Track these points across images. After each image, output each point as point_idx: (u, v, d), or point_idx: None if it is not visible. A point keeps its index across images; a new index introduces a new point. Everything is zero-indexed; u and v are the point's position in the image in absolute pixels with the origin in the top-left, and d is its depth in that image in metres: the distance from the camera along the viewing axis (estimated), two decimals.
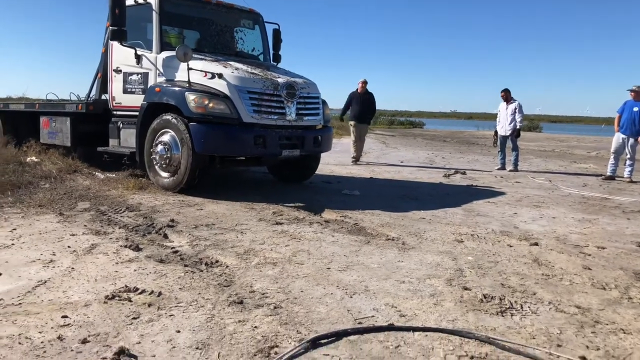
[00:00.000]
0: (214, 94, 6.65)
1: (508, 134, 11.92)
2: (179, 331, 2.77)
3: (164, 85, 7.12)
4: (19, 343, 2.56)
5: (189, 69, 6.70)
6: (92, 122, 8.51)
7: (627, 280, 4.00)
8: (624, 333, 3.00)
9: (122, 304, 3.12)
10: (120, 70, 7.87)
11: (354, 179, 9.63)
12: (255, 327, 2.86)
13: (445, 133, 34.72)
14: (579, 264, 4.38)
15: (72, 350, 2.52)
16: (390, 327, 2.91)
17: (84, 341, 2.60)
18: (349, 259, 4.28)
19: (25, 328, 2.73)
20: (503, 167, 12.08)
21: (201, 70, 6.85)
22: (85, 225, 5.05)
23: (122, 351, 2.48)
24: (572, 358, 2.62)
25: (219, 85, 6.70)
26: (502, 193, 8.39)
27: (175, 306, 3.12)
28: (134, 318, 2.91)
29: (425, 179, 9.93)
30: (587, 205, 7.47)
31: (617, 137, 10.66)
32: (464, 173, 11.05)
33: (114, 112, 8.16)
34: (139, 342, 2.62)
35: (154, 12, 7.44)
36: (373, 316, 3.09)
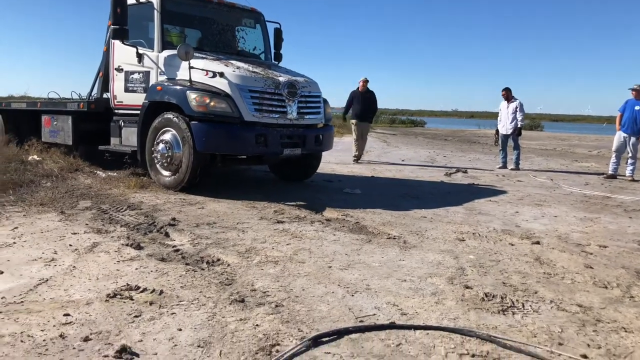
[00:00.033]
0: (215, 93, 6.65)
1: (509, 133, 11.91)
2: (180, 329, 2.77)
3: (166, 83, 7.12)
4: (21, 341, 2.57)
5: (191, 67, 6.71)
6: (93, 120, 8.52)
7: (628, 279, 3.99)
8: (626, 332, 2.99)
9: (124, 302, 3.12)
10: (122, 69, 7.87)
11: (355, 177, 9.63)
12: (257, 325, 2.86)
13: (446, 132, 34.70)
14: (580, 263, 4.38)
15: (74, 348, 2.52)
16: (392, 326, 2.91)
17: (86, 339, 2.60)
18: (350, 257, 4.28)
19: (27, 326, 2.74)
20: (504, 166, 12.07)
21: (202, 69, 6.85)
22: (86, 224, 5.05)
23: (123, 349, 2.48)
24: (573, 356, 2.62)
25: (221, 84, 6.70)
26: (503, 192, 8.39)
27: (177, 304, 3.12)
28: (136, 316, 2.92)
29: (426, 178, 9.93)
30: (588, 204, 7.46)
31: (619, 136, 10.65)
32: (465, 172, 11.05)
33: (116, 111, 8.16)
34: (141, 340, 2.63)
35: (155, 11, 7.45)
36: (374, 314, 3.09)
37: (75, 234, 4.68)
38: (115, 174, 8.02)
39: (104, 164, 8.76)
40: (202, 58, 7.11)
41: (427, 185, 9.04)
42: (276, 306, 3.15)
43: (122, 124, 8.01)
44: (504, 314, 3.18)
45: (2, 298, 3.11)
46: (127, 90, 7.85)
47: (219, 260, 4.05)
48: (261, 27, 8.87)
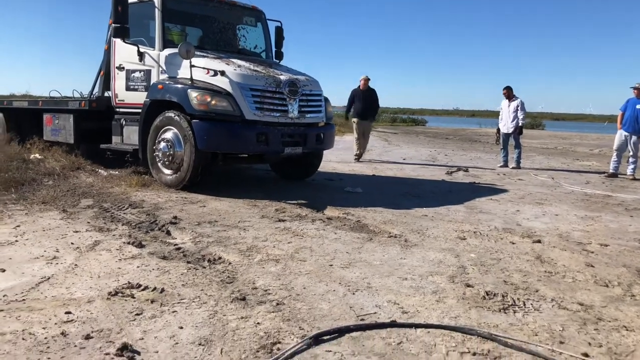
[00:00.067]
0: (216, 91, 6.65)
1: (510, 132, 11.90)
2: (181, 327, 2.78)
3: (167, 82, 7.13)
4: (23, 339, 2.57)
5: (192, 66, 6.71)
6: (95, 119, 8.53)
7: (630, 278, 3.99)
8: (627, 330, 3.00)
9: (125, 300, 3.13)
10: (123, 68, 7.88)
11: (356, 176, 9.63)
12: (258, 323, 2.87)
13: (447, 130, 34.67)
14: (581, 261, 4.38)
15: (75, 346, 2.53)
16: (393, 324, 2.92)
17: (88, 337, 2.61)
18: (352, 256, 4.28)
19: (29, 324, 2.75)
20: (506, 165, 12.05)
21: (204, 68, 6.86)
22: (88, 222, 5.06)
23: (125, 347, 2.49)
24: (574, 355, 2.63)
25: (222, 82, 6.70)
26: (504, 190, 8.38)
27: (178, 302, 3.13)
28: (137, 314, 2.92)
29: (427, 177, 9.92)
30: (589, 203, 7.45)
31: (620, 135, 10.64)
32: (466, 170, 11.04)
33: (117, 110, 8.17)
34: (142, 338, 2.63)
35: (156, 10, 7.45)
36: (375, 313, 3.10)
37: (77, 232, 4.69)
38: (116, 172, 8.03)
39: (106, 163, 8.78)
40: (203, 56, 7.11)
41: (428, 183, 9.04)
42: (277, 304, 3.16)
43: (124, 122, 8.02)
44: (505, 313, 3.18)
45: (4, 296, 3.12)
46: (128, 88, 7.86)
47: (220, 258, 4.05)
48: (262, 25, 8.87)
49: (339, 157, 12.46)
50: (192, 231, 4.87)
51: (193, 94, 6.64)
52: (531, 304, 3.34)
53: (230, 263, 3.95)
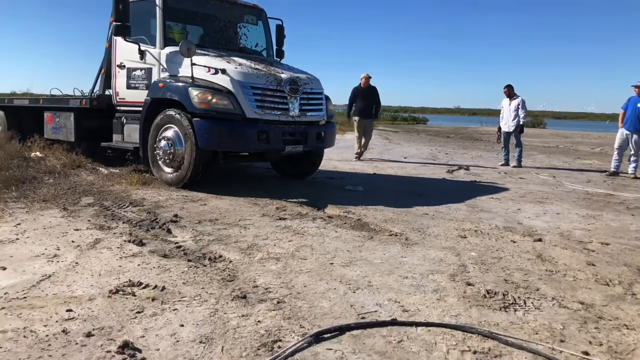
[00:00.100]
0: (217, 90, 6.65)
1: (511, 130, 11.89)
2: (182, 325, 2.78)
3: (168, 80, 7.13)
4: (24, 336, 2.58)
5: (193, 64, 6.71)
6: (95, 117, 8.53)
7: (630, 277, 3.99)
8: (627, 329, 3.00)
9: (126, 298, 3.13)
10: (124, 66, 7.88)
11: (357, 174, 9.62)
12: (259, 321, 2.87)
13: (448, 129, 34.64)
14: (582, 260, 4.38)
15: (76, 343, 2.53)
16: (394, 322, 2.92)
17: (89, 335, 2.62)
18: (352, 254, 4.29)
19: (30, 322, 2.75)
20: (507, 163, 12.05)
21: (204, 66, 6.86)
22: (89, 220, 5.07)
23: (126, 345, 2.49)
24: (575, 353, 2.63)
25: (223, 80, 6.70)
26: (505, 189, 8.38)
27: (179, 300, 3.13)
28: (138, 312, 2.93)
29: (428, 175, 9.92)
30: (591, 202, 7.45)
31: (621, 133, 10.64)
32: (467, 169, 11.04)
33: (118, 108, 8.17)
34: (143, 336, 2.64)
35: (157, 8, 7.44)
36: (376, 311, 3.10)
37: (77, 230, 4.69)
38: (117, 170, 8.03)
39: (106, 161, 8.79)
40: (204, 55, 7.10)
41: (429, 182, 9.04)
42: (278, 302, 3.16)
43: (125, 120, 8.02)
44: (506, 311, 3.18)
45: (5, 294, 3.12)
46: (129, 87, 7.86)
47: (221, 256, 4.06)
48: (263, 23, 8.87)
49: (339, 156, 12.45)
50: (193, 229, 4.87)
51: (194, 92, 6.64)
52: (532, 303, 3.34)
53: (231, 261, 3.95)
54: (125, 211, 5.51)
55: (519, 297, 3.42)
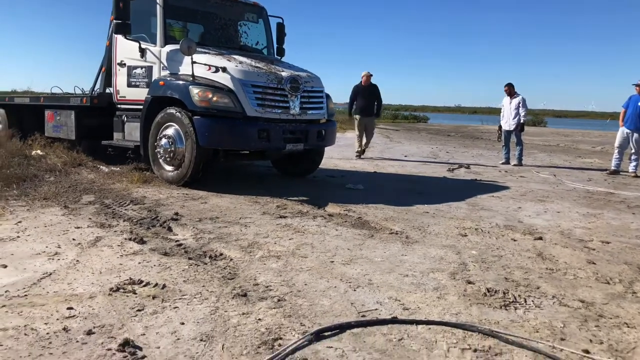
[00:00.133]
0: (218, 88, 6.65)
1: (512, 129, 11.87)
2: (183, 323, 2.79)
3: (168, 78, 7.12)
4: (25, 334, 2.58)
5: (193, 62, 6.71)
6: (96, 115, 8.53)
7: (631, 275, 3.99)
8: (628, 327, 3.00)
9: (127, 296, 3.13)
10: (125, 64, 7.87)
11: (357, 173, 9.62)
12: (259, 319, 2.87)
13: (449, 127, 34.62)
14: (583, 259, 4.38)
15: (77, 341, 2.53)
16: (394, 320, 2.92)
17: (89, 332, 2.62)
18: (353, 252, 4.29)
19: (31, 319, 2.75)
20: (507, 162, 12.04)
21: (205, 64, 6.85)
22: (90, 218, 5.07)
23: (126, 342, 2.49)
24: (575, 351, 2.63)
25: (223, 78, 6.70)
26: (506, 187, 8.37)
27: (180, 298, 3.13)
28: (139, 310, 2.93)
29: (429, 173, 9.92)
30: (591, 200, 7.44)
31: (622, 132, 10.63)
32: (468, 167, 11.04)
33: (118, 106, 8.17)
34: (144, 334, 2.64)
35: (158, 6, 7.44)
36: (376, 309, 3.10)
37: (78, 228, 4.70)
38: (118, 168, 8.03)
39: (107, 159, 8.80)
40: (205, 53, 7.10)
41: (429, 180, 9.04)
42: (278, 300, 3.16)
43: (125, 118, 8.02)
44: (506, 309, 3.18)
45: (6, 292, 3.13)
46: (129, 85, 7.86)
47: (221, 254, 4.06)
48: (264, 21, 8.86)
49: (340, 154, 12.45)
50: (194, 227, 4.87)
51: (194, 91, 6.63)
52: (532, 301, 3.34)
53: (231, 259, 3.95)
54: (126, 209, 5.51)
55: (519, 296, 3.42)
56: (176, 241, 4.40)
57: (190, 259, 3.93)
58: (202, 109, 6.63)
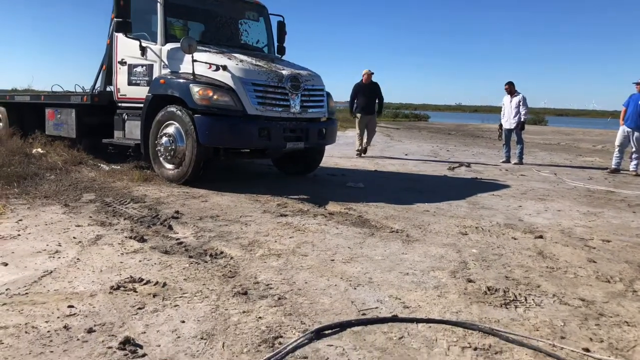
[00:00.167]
0: (218, 86, 6.65)
1: (513, 127, 11.87)
2: (183, 321, 2.79)
3: (169, 77, 7.12)
4: (26, 332, 2.58)
5: (194, 60, 6.70)
6: (97, 113, 8.54)
7: (632, 274, 3.99)
8: (628, 325, 3.00)
9: (127, 294, 3.14)
10: (125, 62, 7.87)
11: (358, 171, 9.62)
12: (260, 317, 2.87)
13: (450, 126, 34.61)
14: (583, 257, 4.38)
15: (78, 339, 2.54)
16: (394, 319, 2.92)
17: (90, 331, 2.62)
18: (353, 250, 4.29)
19: (32, 317, 2.76)
20: (508, 160, 12.04)
21: (206, 62, 6.85)
22: (90, 217, 5.07)
23: (127, 341, 2.50)
24: (575, 350, 2.63)
25: (224, 77, 6.70)
26: (506, 186, 8.37)
27: (180, 297, 3.14)
28: (139, 308, 2.93)
29: (429, 172, 9.92)
30: (592, 199, 7.44)
31: (622, 131, 10.63)
32: (468, 166, 11.03)
33: (119, 104, 8.17)
34: (144, 332, 2.64)
35: (158, 4, 7.43)
36: (377, 307, 3.10)
37: (79, 226, 4.70)
38: (118, 167, 8.04)
39: (108, 157, 8.79)
40: (205, 51, 7.09)
41: (430, 179, 9.04)
42: (279, 299, 3.16)
43: (126, 117, 8.02)
44: (507, 308, 3.18)
45: (6, 290, 3.13)
46: (130, 83, 7.85)
47: (222, 253, 4.06)
48: (264, 20, 8.86)
49: (341, 153, 12.45)
50: (194, 226, 4.87)
51: (195, 89, 6.63)
52: (532, 300, 3.34)
53: (232, 258, 3.96)
54: (126, 207, 5.52)
55: (519, 294, 3.42)
56: (177, 239, 4.40)
57: (190, 257, 3.93)
58: (203, 108, 6.63)
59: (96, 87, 8.91)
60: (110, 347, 2.46)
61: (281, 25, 9.14)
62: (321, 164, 8.76)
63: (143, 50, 7.51)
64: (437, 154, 13.99)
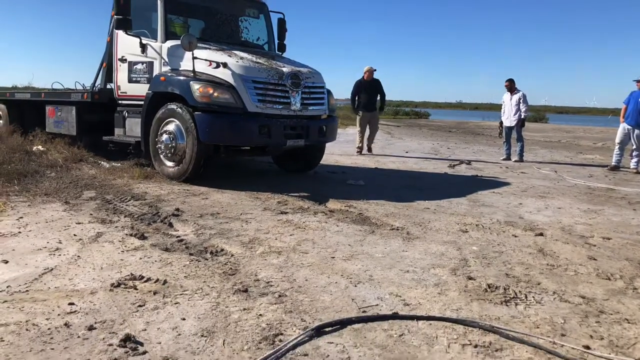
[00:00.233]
0: (218, 84, 6.64)
1: (513, 125, 11.86)
2: (184, 319, 2.79)
3: (169, 74, 7.12)
4: (26, 330, 2.59)
5: (194, 58, 6.70)
6: (97, 111, 8.54)
7: (632, 271, 3.99)
8: (629, 323, 3.00)
9: (128, 291, 3.14)
10: (125, 60, 7.87)
11: (358, 169, 9.62)
12: (260, 315, 2.88)
13: (450, 123, 34.60)
14: (584, 255, 4.38)
15: (78, 337, 2.54)
16: (395, 316, 2.92)
17: (91, 328, 2.62)
18: (354, 248, 4.29)
19: (32, 315, 2.76)
20: (508, 158, 12.03)
21: (206, 60, 6.84)
22: (91, 214, 5.07)
23: (128, 338, 2.50)
24: (576, 347, 2.63)
25: (224, 74, 6.69)
26: (507, 183, 8.37)
27: (181, 294, 3.14)
28: (140, 306, 2.93)
29: (430, 170, 9.92)
30: (592, 196, 7.44)
31: (623, 128, 10.62)
32: (469, 163, 11.03)
33: (119, 102, 8.17)
34: (145, 330, 2.65)
35: (159, 1, 7.43)
36: (377, 305, 3.10)
37: (79, 223, 4.70)
38: (119, 164, 8.04)
39: (108, 155, 8.80)
40: (206, 48, 7.09)
41: (430, 176, 9.03)
42: (279, 296, 3.16)
43: (126, 114, 8.02)
44: (507, 305, 3.19)
45: (7, 287, 3.13)
46: (130, 80, 7.85)
47: (222, 250, 4.06)
48: (265, 17, 8.84)
49: (341, 150, 12.44)
50: (195, 223, 4.87)
51: (195, 86, 6.63)
52: (533, 297, 3.34)
53: (232, 255, 3.96)
54: (127, 205, 5.52)
55: (520, 291, 3.42)
56: (177, 237, 4.40)
57: (191, 254, 3.93)
58: (203, 105, 6.62)
59: (96, 84, 8.91)
60: (110, 345, 2.46)
61: (281, 23, 9.13)
62: (321, 162, 8.76)
63: (143, 47, 7.51)
64: (437, 151, 13.98)
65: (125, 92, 7.99)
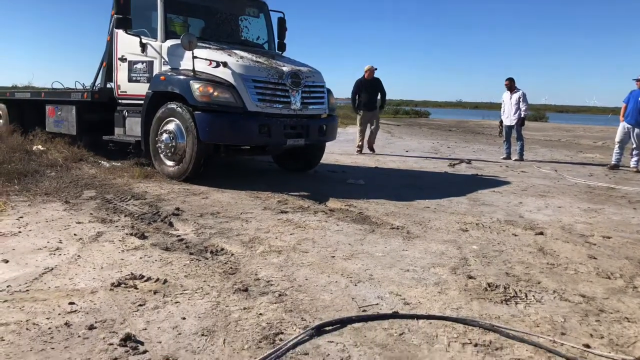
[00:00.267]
0: (218, 83, 6.64)
1: (513, 124, 11.86)
2: (184, 318, 2.79)
3: (169, 73, 7.11)
4: (27, 329, 2.59)
5: (194, 57, 6.69)
6: (97, 110, 8.53)
7: (632, 270, 3.99)
8: (629, 322, 3.00)
9: (128, 291, 3.14)
10: (125, 59, 7.86)
11: (358, 168, 9.62)
12: (260, 314, 2.88)
13: (450, 122, 34.58)
14: (584, 253, 4.38)
15: (79, 336, 2.54)
16: (395, 315, 2.93)
17: (91, 327, 2.63)
18: (354, 247, 4.29)
19: (33, 314, 2.76)
20: (508, 157, 12.03)
21: (206, 59, 6.84)
22: (91, 214, 5.07)
23: (128, 337, 2.50)
24: (576, 346, 2.63)
25: (224, 73, 6.69)
26: (507, 182, 8.37)
27: (181, 293, 3.14)
28: (140, 305, 2.94)
29: (430, 169, 9.92)
30: (592, 195, 7.44)
31: (623, 127, 10.62)
32: (469, 162, 11.03)
33: (119, 101, 8.17)
34: (145, 329, 2.65)
35: (158, 0, 7.42)
36: (377, 304, 3.11)
37: (79, 223, 4.70)
38: (119, 164, 8.04)
39: (108, 154, 8.79)
40: (206, 48, 7.09)
41: (430, 175, 9.03)
42: (279, 295, 3.17)
43: (126, 114, 8.01)
44: (507, 304, 3.19)
45: (7, 287, 3.13)
46: (130, 80, 7.85)
47: (222, 249, 4.06)
48: (265, 16, 8.84)
49: (341, 149, 12.44)
50: (195, 223, 4.88)
51: (195, 86, 6.63)
52: (533, 296, 3.34)
53: (232, 254, 3.96)
54: (127, 204, 5.52)
55: (520, 290, 3.42)
56: (177, 236, 4.40)
57: (191, 254, 3.93)
58: (203, 104, 6.62)
59: (96, 84, 8.91)
60: (111, 344, 2.47)
61: (281, 22, 9.12)
62: (322, 161, 8.76)
63: (143, 46, 7.51)
64: (437, 150, 13.98)
65: (125, 92, 7.99)
